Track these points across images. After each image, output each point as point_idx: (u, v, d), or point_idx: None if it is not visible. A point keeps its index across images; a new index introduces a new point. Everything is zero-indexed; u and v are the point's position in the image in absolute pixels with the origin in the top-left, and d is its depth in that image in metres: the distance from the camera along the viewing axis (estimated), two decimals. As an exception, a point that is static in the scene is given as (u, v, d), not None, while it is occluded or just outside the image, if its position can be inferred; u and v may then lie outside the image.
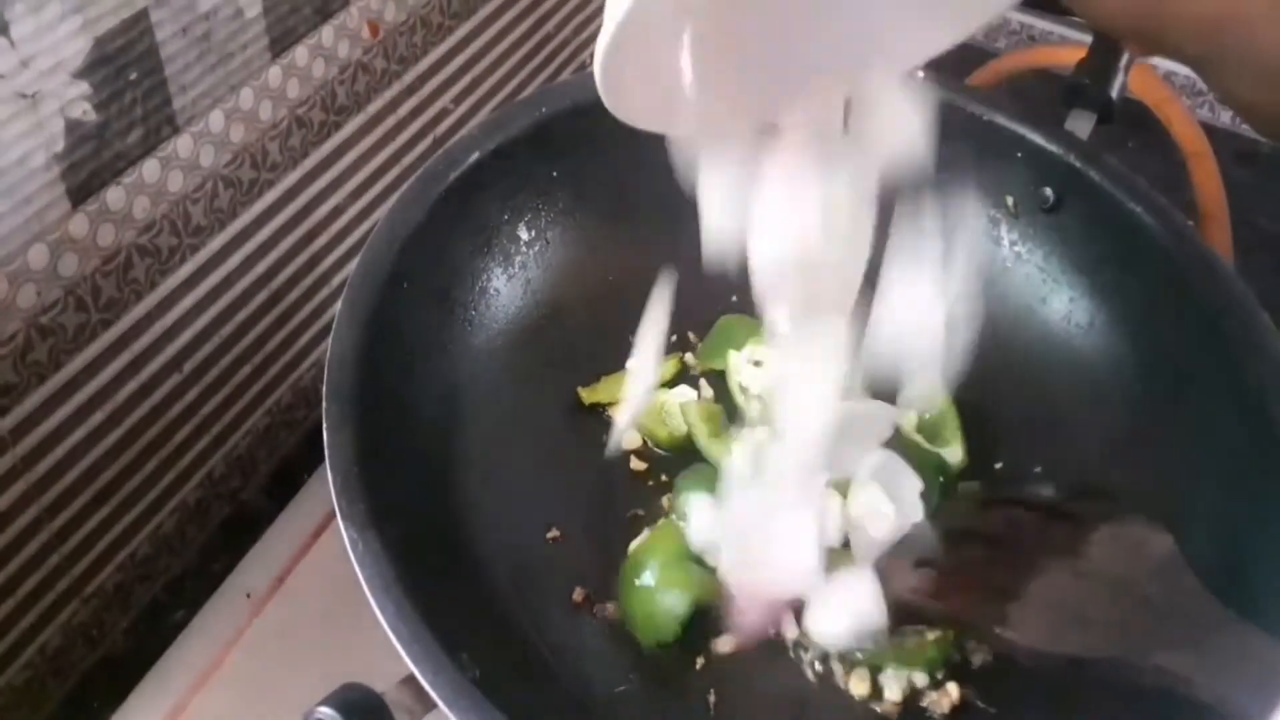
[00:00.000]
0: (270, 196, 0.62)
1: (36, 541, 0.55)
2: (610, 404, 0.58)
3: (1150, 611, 0.45)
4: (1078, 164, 0.57)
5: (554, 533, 0.53)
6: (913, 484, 0.53)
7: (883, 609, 0.49)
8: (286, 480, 0.66)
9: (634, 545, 0.52)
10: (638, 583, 0.51)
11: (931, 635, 0.51)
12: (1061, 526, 0.50)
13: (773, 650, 0.51)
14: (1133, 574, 0.47)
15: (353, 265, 0.49)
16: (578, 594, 0.52)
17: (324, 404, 0.44)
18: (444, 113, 0.74)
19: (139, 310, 0.57)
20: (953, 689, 0.50)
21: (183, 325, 0.60)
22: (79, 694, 0.60)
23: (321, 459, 0.43)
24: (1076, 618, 0.46)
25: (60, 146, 0.50)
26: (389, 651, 0.40)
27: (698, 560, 0.52)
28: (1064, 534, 0.49)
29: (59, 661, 0.59)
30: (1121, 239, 0.56)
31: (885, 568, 0.50)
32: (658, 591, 0.50)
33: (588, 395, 0.58)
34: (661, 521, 0.53)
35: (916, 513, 0.52)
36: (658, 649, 0.50)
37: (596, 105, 0.58)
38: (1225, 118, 0.96)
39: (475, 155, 0.53)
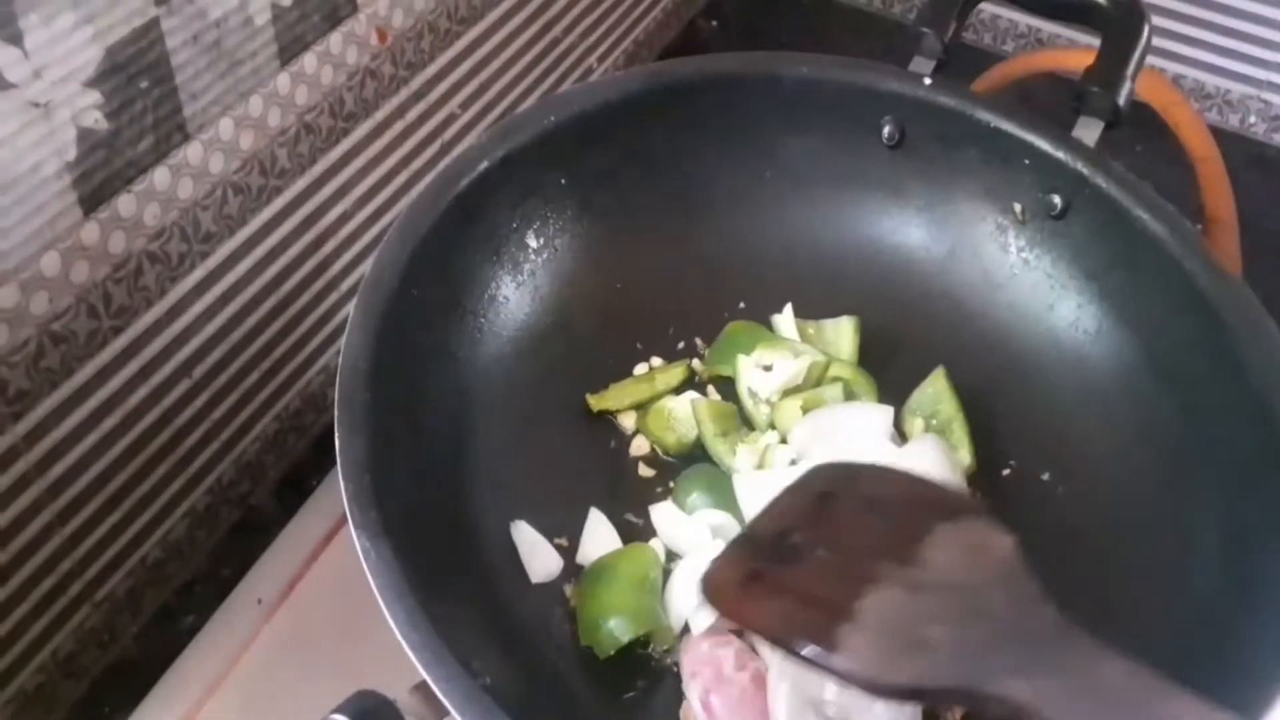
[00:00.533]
0: (279, 203, 0.63)
1: (49, 547, 0.55)
2: (618, 410, 0.58)
3: (992, 628, 0.39)
4: (1085, 171, 0.57)
5: (562, 540, 0.54)
6: None
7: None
8: (295, 485, 0.66)
9: (607, 554, 0.52)
10: (593, 590, 0.50)
11: None
12: (893, 528, 0.44)
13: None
14: (973, 581, 0.41)
15: (361, 270, 0.50)
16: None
17: (335, 412, 0.44)
18: (451, 118, 0.74)
19: (149, 317, 0.57)
20: None
21: (192, 331, 0.60)
22: (90, 698, 0.60)
23: (331, 464, 0.43)
24: (913, 640, 0.39)
25: (72, 155, 0.50)
26: (401, 658, 0.40)
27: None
28: (897, 537, 0.43)
29: (70, 666, 0.59)
30: (1129, 245, 0.56)
31: (714, 580, 0.45)
32: (607, 609, 0.49)
33: (596, 402, 0.58)
34: (637, 544, 0.53)
35: None
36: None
37: (603, 113, 0.59)
38: (1234, 120, 0.96)
39: (484, 164, 0.53)
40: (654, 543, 0.53)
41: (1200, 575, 0.50)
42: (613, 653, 0.48)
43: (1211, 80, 0.95)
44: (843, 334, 0.61)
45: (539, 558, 0.52)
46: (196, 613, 0.60)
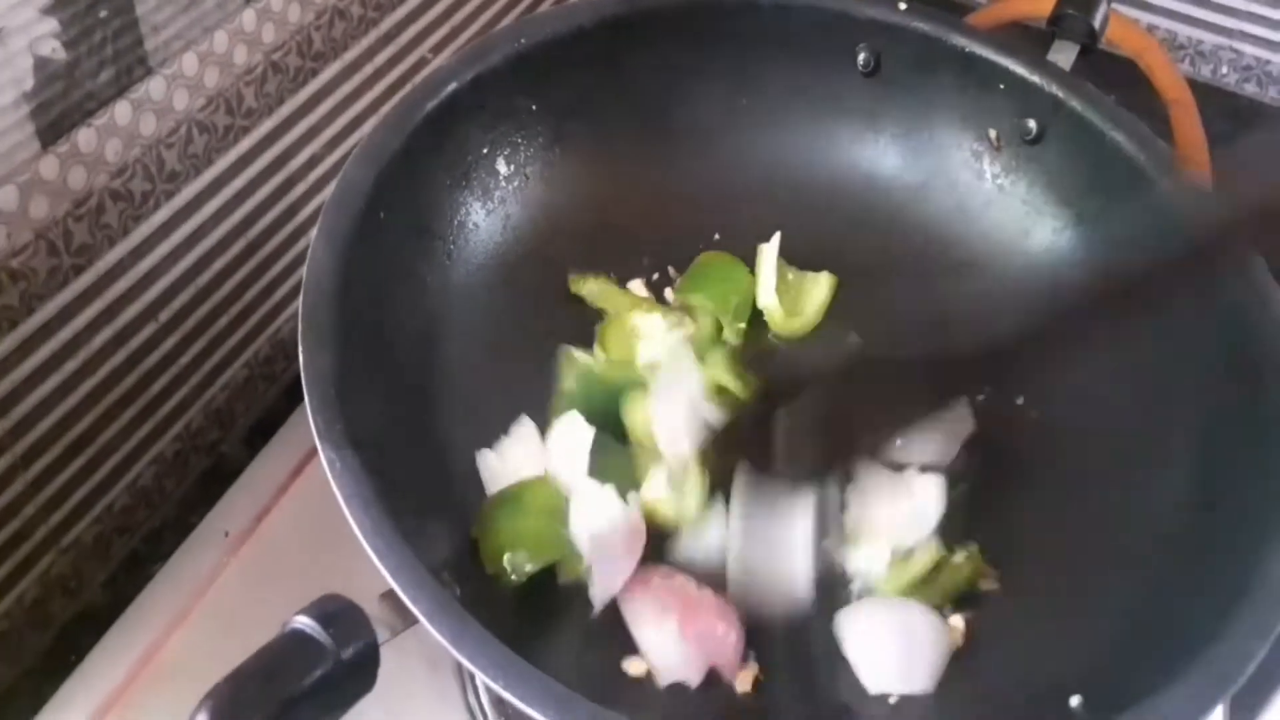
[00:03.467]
0: (246, 143, 0.62)
1: (11, 490, 0.54)
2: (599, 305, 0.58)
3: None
4: (1060, 94, 0.57)
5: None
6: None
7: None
8: (266, 433, 0.65)
9: (513, 484, 0.50)
10: (498, 519, 0.48)
11: (961, 556, 0.51)
12: None
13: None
14: None
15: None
16: None
17: (300, 327, 0.43)
18: (423, 62, 0.73)
19: (112, 256, 0.56)
20: (958, 621, 0.50)
21: (158, 273, 0.59)
22: (57, 646, 0.59)
23: (301, 405, 0.42)
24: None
25: (29, 85, 0.49)
26: (372, 583, 0.39)
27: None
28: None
29: (37, 613, 0.58)
30: (1104, 168, 0.56)
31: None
32: (514, 539, 0.47)
33: (575, 284, 0.58)
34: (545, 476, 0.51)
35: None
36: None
37: (576, 37, 0.58)
38: (1206, 71, 0.96)
39: (453, 85, 0.52)
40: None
41: (1174, 492, 0.50)
42: (520, 580, 0.46)
43: (1184, 30, 0.95)
44: (817, 289, 0.60)
45: (501, 477, 0.50)
46: (165, 560, 0.59)
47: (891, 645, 0.48)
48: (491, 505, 0.49)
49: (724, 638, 0.47)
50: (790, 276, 0.61)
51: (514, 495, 0.49)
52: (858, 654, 0.48)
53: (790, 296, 0.59)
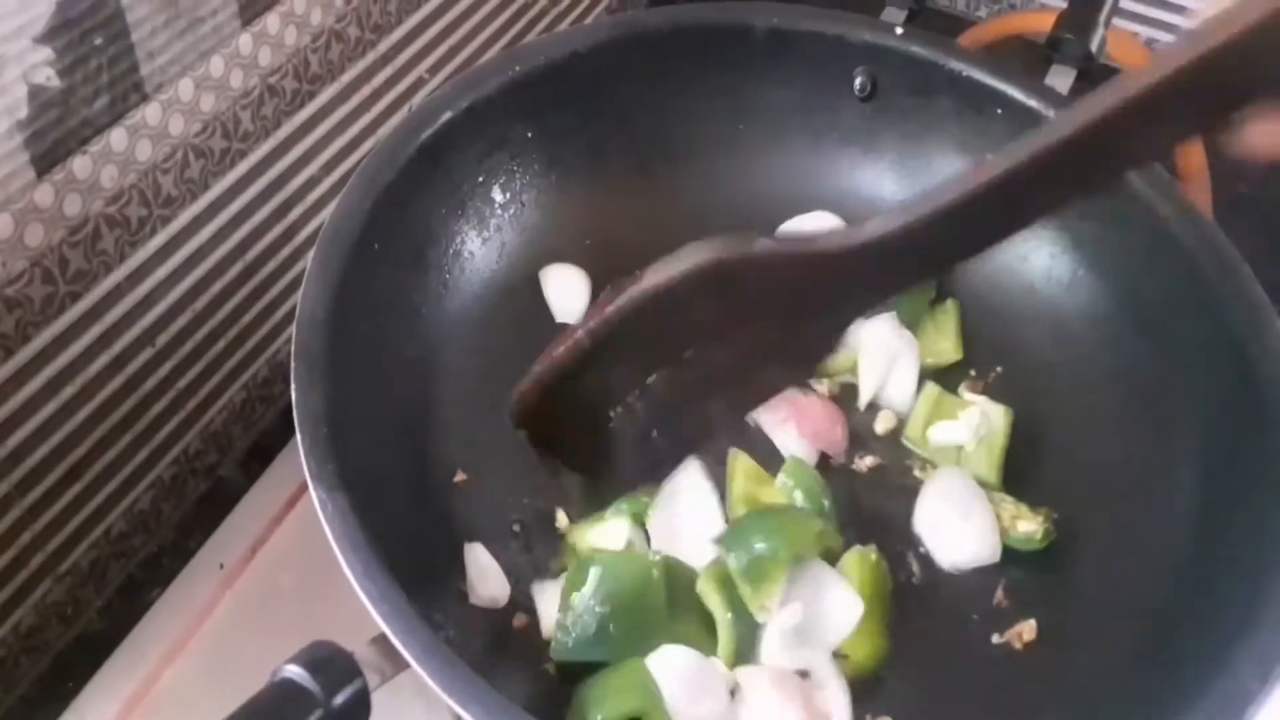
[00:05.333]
0: (243, 167, 0.61)
1: (8, 518, 0.54)
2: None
3: None
4: (1058, 119, 0.56)
5: (526, 499, 0.52)
6: None
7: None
8: (263, 456, 0.65)
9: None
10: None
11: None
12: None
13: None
14: None
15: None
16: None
17: (292, 364, 0.43)
18: (420, 83, 0.73)
19: (109, 282, 0.56)
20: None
21: (155, 298, 0.59)
22: (53, 673, 0.58)
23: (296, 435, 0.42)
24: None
25: (23, 113, 0.49)
26: (362, 618, 0.39)
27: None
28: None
29: (32, 640, 0.58)
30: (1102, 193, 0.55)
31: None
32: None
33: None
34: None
35: None
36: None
37: (570, 63, 0.58)
38: (1208, 84, 0.96)
39: (447, 114, 0.52)
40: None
41: (1178, 523, 0.50)
42: None
43: (1186, 44, 0.94)
44: None
45: (489, 582, 0.49)
46: (162, 585, 0.59)
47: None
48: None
49: (830, 430, 0.55)
50: None
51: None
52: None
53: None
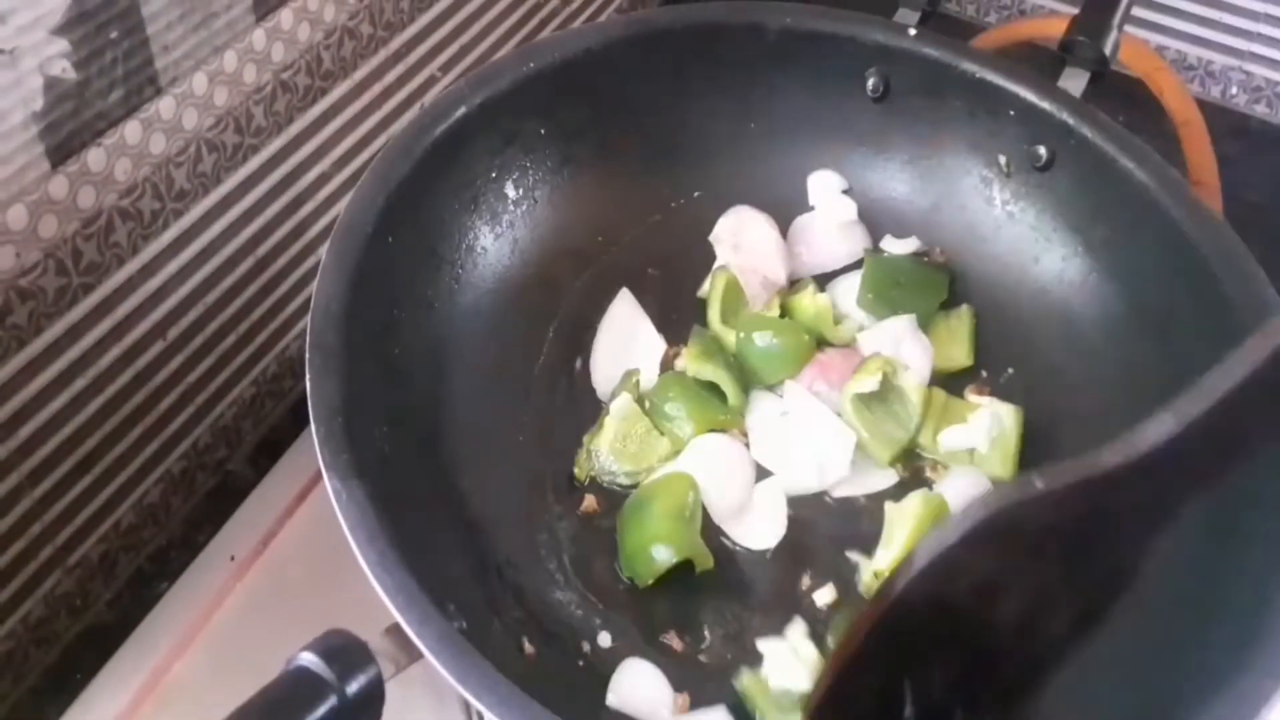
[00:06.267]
0: (255, 162, 0.62)
1: (18, 509, 0.54)
2: None
3: None
4: (1071, 121, 0.57)
5: (540, 488, 0.53)
6: None
7: None
8: (273, 451, 0.65)
9: (647, 481, 0.53)
10: (637, 519, 0.51)
11: None
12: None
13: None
14: None
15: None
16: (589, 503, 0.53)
17: (307, 355, 0.43)
18: (431, 80, 0.73)
19: (121, 275, 0.56)
20: None
21: (167, 292, 0.59)
22: (62, 665, 0.58)
23: (308, 427, 0.42)
24: None
25: (39, 105, 0.49)
26: (376, 609, 0.39)
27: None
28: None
29: (42, 632, 0.58)
30: (1114, 195, 0.56)
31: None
32: (650, 537, 0.50)
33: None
34: (674, 473, 0.53)
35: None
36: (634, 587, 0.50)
37: (584, 61, 0.58)
38: (1215, 92, 0.96)
39: (461, 110, 0.52)
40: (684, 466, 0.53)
41: (1186, 530, 0.49)
42: (652, 580, 0.49)
43: (1194, 51, 0.95)
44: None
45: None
46: (171, 578, 0.59)
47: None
48: (627, 510, 0.52)
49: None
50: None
51: (646, 497, 0.52)
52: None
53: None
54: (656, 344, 0.58)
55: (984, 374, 0.59)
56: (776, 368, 0.57)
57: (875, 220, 0.62)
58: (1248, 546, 0.46)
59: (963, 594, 0.37)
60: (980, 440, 0.55)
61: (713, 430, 0.55)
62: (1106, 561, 0.38)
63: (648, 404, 0.55)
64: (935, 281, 0.60)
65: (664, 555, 0.49)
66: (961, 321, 0.60)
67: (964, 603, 0.37)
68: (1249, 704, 0.40)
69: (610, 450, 0.54)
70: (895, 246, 0.61)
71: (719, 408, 0.55)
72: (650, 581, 0.50)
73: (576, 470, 0.54)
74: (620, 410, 0.54)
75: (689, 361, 0.56)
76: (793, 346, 0.57)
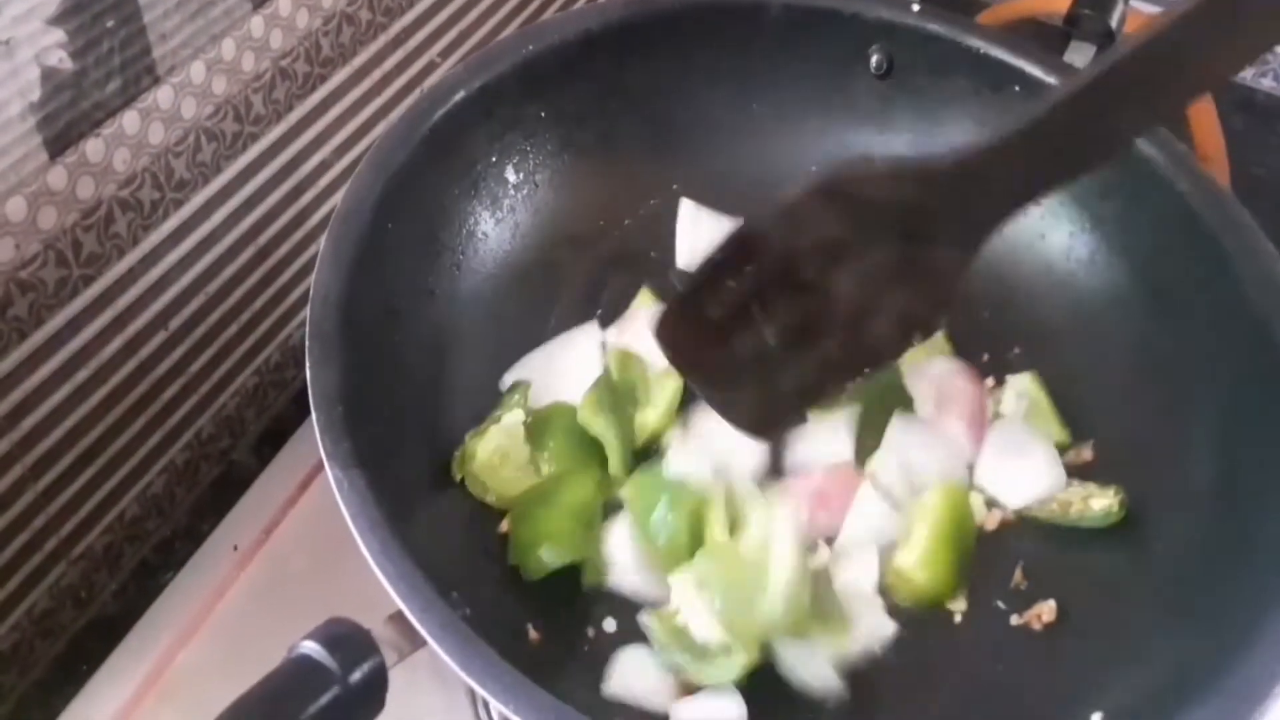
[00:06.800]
0: (255, 150, 0.61)
1: (22, 502, 0.54)
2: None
3: None
4: (1077, 96, 0.56)
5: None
6: None
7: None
8: (276, 440, 0.65)
9: (554, 470, 0.50)
10: (531, 513, 0.48)
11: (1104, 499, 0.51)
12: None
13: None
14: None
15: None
16: None
17: (307, 343, 0.43)
18: (431, 66, 0.72)
19: (122, 266, 0.56)
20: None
21: (168, 282, 0.59)
22: (68, 656, 0.59)
23: (311, 418, 0.42)
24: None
25: (36, 96, 0.49)
26: (378, 601, 0.39)
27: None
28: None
29: (47, 624, 0.58)
30: (1121, 169, 0.55)
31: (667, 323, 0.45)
32: (542, 535, 0.48)
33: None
34: (582, 472, 0.51)
35: None
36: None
37: (584, 43, 0.57)
38: (1225, 66, 0.95)
39: (460, 94, 0.52)
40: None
41: (1197, 481, 0.50)
42: (539, 577, 0.47)
43: (1203, 25, 0.94)
44: None
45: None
46: (176, 569, 0.59)
47: None
48: (527, 497, 0.49)
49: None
50: None
51: (549, 490, 0.50)
52: None
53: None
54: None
55: (985, 358, 0.58)
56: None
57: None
58: (1258, 521, 0.46)
59: (807, 246, 0.42)
60: (1016, 420, 0.54)
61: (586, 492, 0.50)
62: (932, 262, 0.42)
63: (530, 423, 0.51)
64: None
65: (550, 558, 0.47)
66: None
67: (808, 256, 0.42)
68: (1258, 685, 0.39)
69: (484, 462, 0.50)
70: None
71: (596, 471, 0.51)
72: (537, 578, 0.48)
73: (453, 466, 0.50)
74: (509, 427, 0.51)
75: (582, 408, 0.51)
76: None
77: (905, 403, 0.54)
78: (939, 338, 0.57)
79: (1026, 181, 0.41)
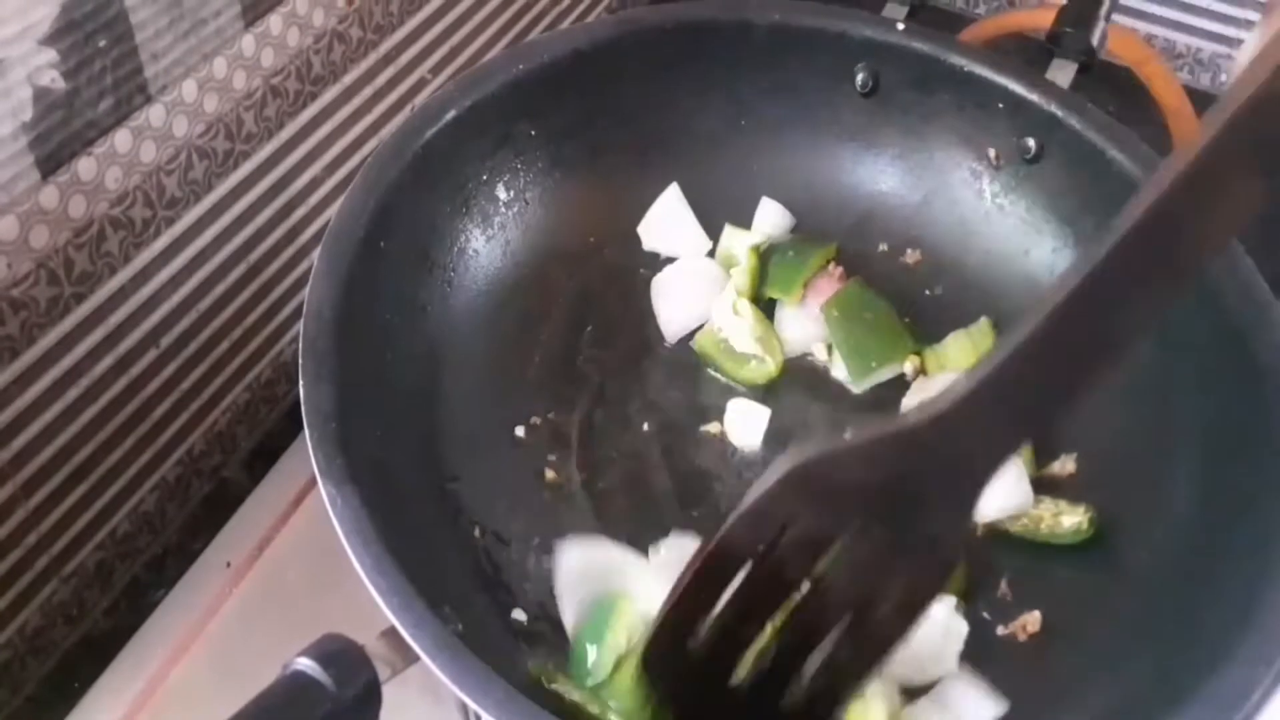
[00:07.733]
0: (246, 168, 0.62)
1: (13, 519, 0.54)
2: None
3: None
4: (1059, 113, 0.57)
5: (536, 491, 0.52)
6: None
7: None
8: (268, 457, 0.65)
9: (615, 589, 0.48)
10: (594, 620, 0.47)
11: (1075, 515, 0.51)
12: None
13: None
14: None
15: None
16: None
17: (300, 360, 0.43)
18: (422, 83, 0.73)
19: (113, 284, 0.56)
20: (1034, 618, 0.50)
21: (159, 299, 0.59)
22: (59, 674, 0.59)
23: (303, 433, 0.42)
24: None
25: (28, 115, 0.49)
26: (371, 617, 0.39)
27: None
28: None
29: (38, 641, 0.58)
30: (1104, 187, 0.56)
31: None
32: (594, 637, 0.45)
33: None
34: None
35: None
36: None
37: (573, 61, 0.58)
38: (1205, 79, 0.96)
39: (451, 113, 0.52)
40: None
41: (1176, 514, 0.50)
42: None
43: (1182, 39, 0.95)
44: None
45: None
46: (168, 586, 0.59)
47: None
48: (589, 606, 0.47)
49: None
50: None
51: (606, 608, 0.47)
52: None
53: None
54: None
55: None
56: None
57: (866, 215, 0.62)
58: (1240, 530, 0.47)
59: (786, 546, 0.38)
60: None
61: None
62: (926, 530, 0.38)
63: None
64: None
65: (594, 658, 0.44)
66: (984, 336, 0.58)
67: (789, 556, 0.38)
68: (1237, 693, 0.40)
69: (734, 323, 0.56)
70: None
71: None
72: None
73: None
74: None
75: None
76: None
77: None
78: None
79: (1021, 418, 0.37)
